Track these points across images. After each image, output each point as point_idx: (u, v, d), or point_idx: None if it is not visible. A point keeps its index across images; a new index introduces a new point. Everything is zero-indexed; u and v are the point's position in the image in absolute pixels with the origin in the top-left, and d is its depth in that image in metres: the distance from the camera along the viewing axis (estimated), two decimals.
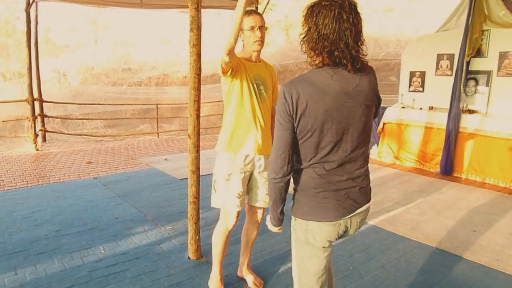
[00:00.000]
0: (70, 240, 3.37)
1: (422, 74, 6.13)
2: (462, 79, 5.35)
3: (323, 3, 1.39)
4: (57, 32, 22.70)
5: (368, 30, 15.35)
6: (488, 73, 5.37)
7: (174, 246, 3.29)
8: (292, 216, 1.63)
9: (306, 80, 1.43)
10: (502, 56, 5.22)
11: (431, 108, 5.89)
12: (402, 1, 15.58)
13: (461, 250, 3.24)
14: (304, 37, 1.46)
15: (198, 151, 2.90)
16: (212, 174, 2.49)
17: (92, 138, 10.28)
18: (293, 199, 1.61)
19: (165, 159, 6.53)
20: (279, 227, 1.72)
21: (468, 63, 5.36)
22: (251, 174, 2.48)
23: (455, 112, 5.37)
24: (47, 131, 8.38)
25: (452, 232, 3.60)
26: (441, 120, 5.63)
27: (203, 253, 3.10)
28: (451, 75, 5.64)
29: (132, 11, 10.50)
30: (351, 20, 1.38)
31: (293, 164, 1.53)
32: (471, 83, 5.53)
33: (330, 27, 1.36)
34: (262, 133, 2.39)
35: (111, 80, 17.82)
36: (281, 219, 1.68)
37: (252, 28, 2.25)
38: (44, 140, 8.20)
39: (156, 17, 22.91)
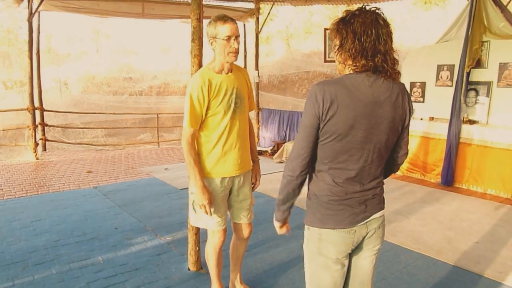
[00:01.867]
0: (69, 250, 3.35)
1: (423, 85, 6.14)
2: (463, 90, 5.36)
3: (356, 13, 1.41)
4: (59, 41, 22.84)
5: None
6: (488, 84, 5.38)
7: (173, 257, 3.26)
8: (305, 225, 1.60)
9: (340, 83, 1.41)
10: (502, 67, 5.23)
11: (431, 118, 5.89)
12: (402, 12, 15.71)
13: (464, 262, 3.21)
14: (339, 47, 1.44)
15: None
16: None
17: (92, 147, 10.27)
18: (307, 206, 1.58)
19: (165, 169, 6.51)
20: (282, 224, 1.68)
21: (468, 74, 5.37)
22: (230, 191, 2.38)
23: (456, 123, 5.37)
24: (48, 140, 8.38)
25: (454, 244, 3.58)
26: (441, 131, 5.63)
27: (203, 264, 3.07)
28: (452, 86, 5.65)
29: (134, 20, 10.57)
30: (387, 25, 1.41)
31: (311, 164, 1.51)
32: (472, 93, 5.54)
33: (368, 32, 1.37)
34: (240, 152, 2.29)
35: (112, 89, 17.85)
36: (286, 214, 1.64)
37: (229, 38, 2.09)
38: (44, 149, 8.20)
39: (157, 27, 23.07)
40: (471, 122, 5.46)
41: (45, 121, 8.16)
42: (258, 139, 8.48)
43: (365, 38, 1.38)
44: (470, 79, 5.43)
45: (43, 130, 8.11)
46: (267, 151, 7.94)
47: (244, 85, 2.33)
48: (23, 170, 6.31)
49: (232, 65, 2.25)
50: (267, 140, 8.38)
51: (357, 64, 1.41)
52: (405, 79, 6.42)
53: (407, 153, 1.65)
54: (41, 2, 6.91)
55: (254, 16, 8.35)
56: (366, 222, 1.54)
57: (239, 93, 2.25)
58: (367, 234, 1.57)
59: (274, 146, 7.93)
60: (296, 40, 19.17)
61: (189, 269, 3.04)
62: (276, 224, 1.70)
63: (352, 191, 1.49)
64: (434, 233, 3.83)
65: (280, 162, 7.01)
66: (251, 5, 8.55)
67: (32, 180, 5.72)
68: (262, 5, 8.70)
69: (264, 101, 10.65)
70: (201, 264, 3.06)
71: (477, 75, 5.45)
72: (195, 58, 2.75)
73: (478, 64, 5.38)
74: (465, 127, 5.40)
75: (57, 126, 10.55)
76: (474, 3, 5.18)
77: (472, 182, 5.38)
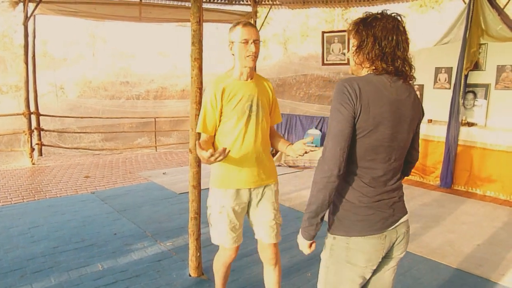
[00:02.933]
0: (67, 257, 3.30)
1: (421, 87, 6.15)
2: (461, 92, 5.37)
3: (378, 16, 1.41)
4: (55, 46, 22.80)
5: None
6: (486, 86, 5.40)
7: (174, 263, 3.22)
8: (329, 234, 1.52)
9: (367, 80, 1.41)
10: (500, 69, 5.25)
11: (430, 121, 5.90)
12: None
13: (466, 265, 3.20)
14: (357, 48, 1.44)
15: (199, 166, 2.87)
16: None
17: (89, 152, 10.22)
18: (331, 213, 1.52)
19: (163, 173, 6.47)
20: (311, 242, 1.52)
21: (466, 76, 5.39)
22: (249, 204, 2.24)
23: (454, 125, 5.38)
24: (44, 145, 8.32)
25: (456, 246, 3.56)
26: (440, 133, 5.64)
27: (204, 270, 3.04)
28: (450, 88, 5.67)
29: (130, 24, 10.56)
30: (406, 33, 1.43)
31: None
32: (470, 96, 5.56)
33: (389, 38, 1.38)
34: (257, 162, 2.15)
35: (109, 93, 17.80)
36: (318, 228, 1.47)
37: (246, 41, 2.03)
38: (41, 154, 8.13)
39: (154, 30, 23.12)
40: (470, 124, 5.47)
41: (41, 126, 8.10)
42: None
43: (385, 43, 1.38)
44: (468, 82, 5.45)
45: (39, 135, 8.05)
46: None
47: (265, 94, 2.22)
48: (19, 176, 6.25)
49: (252, 73, 2.18)
50: None
51: (377, 67, 1.42)
52: None
53: (418, 152, 1.67)
54: (36, 6, 6.88)
55: (252, 19, 8.35)
56: (395, 227, 1.50)
57: (257, 101, 2.15)
58: (396, 239, 1.52)
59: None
60: (293, 43, 19.23)
61: (190, 275, 3.00)
62: (305, 244, 1.52)
63: (380, 192, 1.45)
64: (435, 236, 3.82)
65: (279, 165, 6.99)
66: (249, 9, 8.57)
67: (29, 186, 5.66)
68: (259, 9, 8.71)
69: None
70: (202, 270, 3.02)
71: (475, 77, 5.47)
72: (195, 61, 2.73)
73: (476, 66, 5.41)
74: (463, 130, 5.41)
75: (54, 131, 10.48)
76: (471, 6, 5.21)
77: (471, 184, 5.39)
